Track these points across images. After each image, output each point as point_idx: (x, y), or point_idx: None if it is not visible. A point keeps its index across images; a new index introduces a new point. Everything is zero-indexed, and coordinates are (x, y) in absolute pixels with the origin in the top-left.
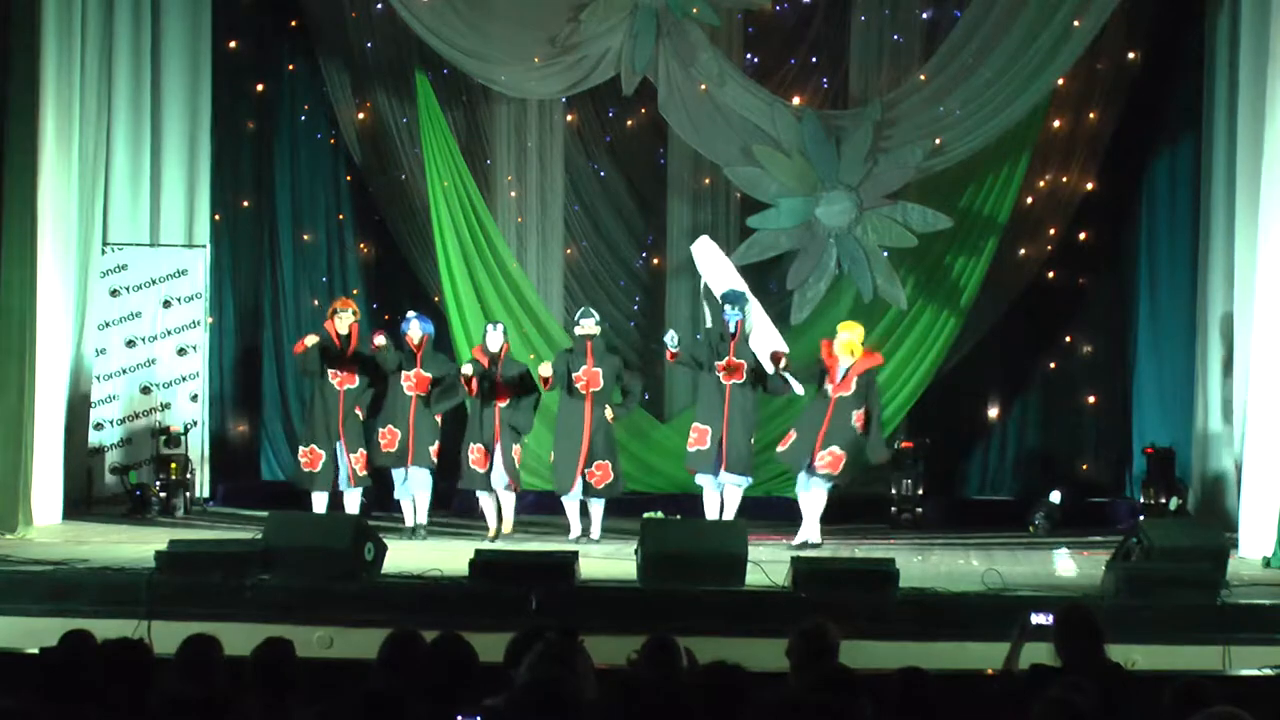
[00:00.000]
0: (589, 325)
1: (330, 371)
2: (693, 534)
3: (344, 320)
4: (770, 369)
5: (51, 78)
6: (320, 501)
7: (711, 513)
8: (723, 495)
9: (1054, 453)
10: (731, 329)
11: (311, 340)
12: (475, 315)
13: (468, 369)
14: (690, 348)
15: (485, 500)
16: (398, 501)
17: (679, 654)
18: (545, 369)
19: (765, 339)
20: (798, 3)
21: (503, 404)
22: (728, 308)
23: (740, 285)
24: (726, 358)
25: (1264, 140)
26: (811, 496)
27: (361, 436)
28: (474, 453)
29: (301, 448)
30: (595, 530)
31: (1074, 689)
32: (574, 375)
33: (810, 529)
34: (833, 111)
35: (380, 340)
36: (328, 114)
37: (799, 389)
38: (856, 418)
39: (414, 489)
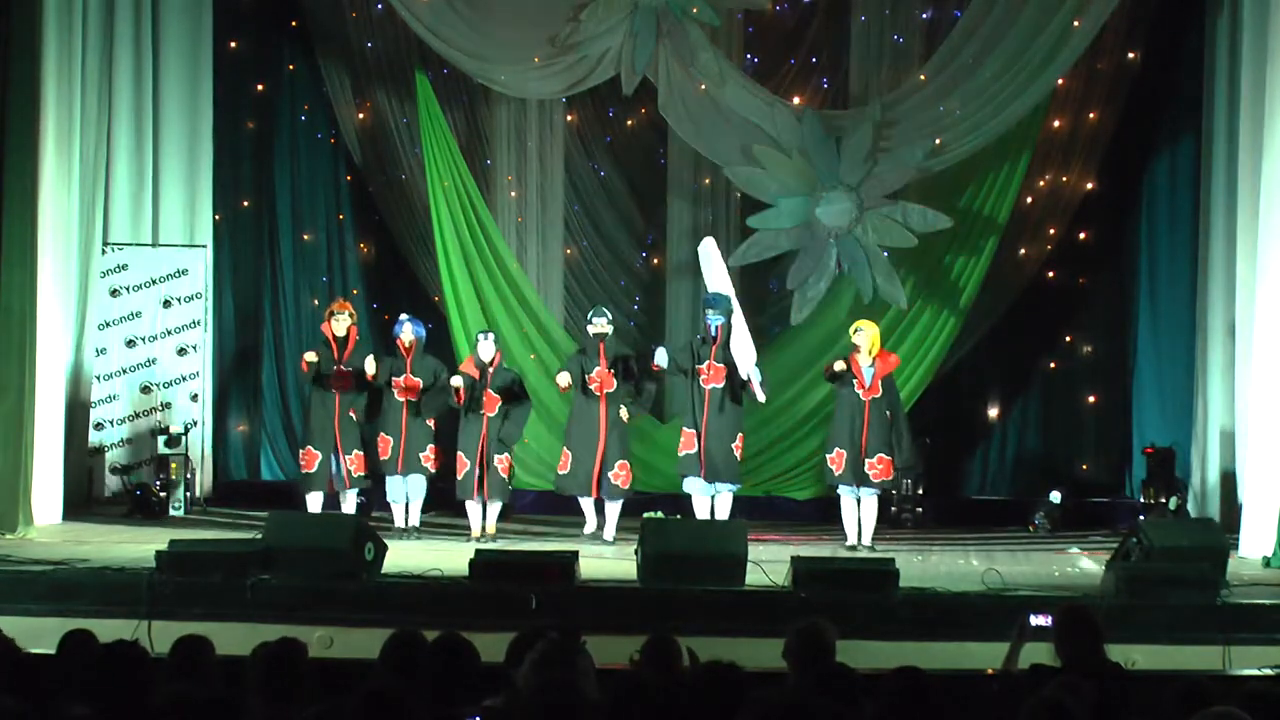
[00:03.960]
0: (601, 324)
1: (328, 378)
2: (693, 534)
3: (341, 323)
4: (743, 376)
5: (52, 78)
6: (315, 502)
7: (701, 516)
8: (713, 501)
9: (1054, 453)
10: (713, 333)
11: (311, 358)
12: (475, 315)
13: (457, 381)
14: (673, 355)
15: (471, 507)
16: (390, 504)
17: (679, 654)
18: (563, 380)
19: (742, 351)
20: (798, 3)
21: (491, 414)
22: (709, 312)
23: (727, 290)
24: (707, 361)
25: (1264, 140)
26: (867, 507)
27: (358, 439)
28: (458, 459)
29: (300, 450)
30: (610, 531)
31: (1069, 690)
32: (588, 376)
33: (867, 536)
34: (833, 111)
35: (370, 367)
36: (328, 114)
37: (761, 398)
38: (888, 418)
39: (409, 495)
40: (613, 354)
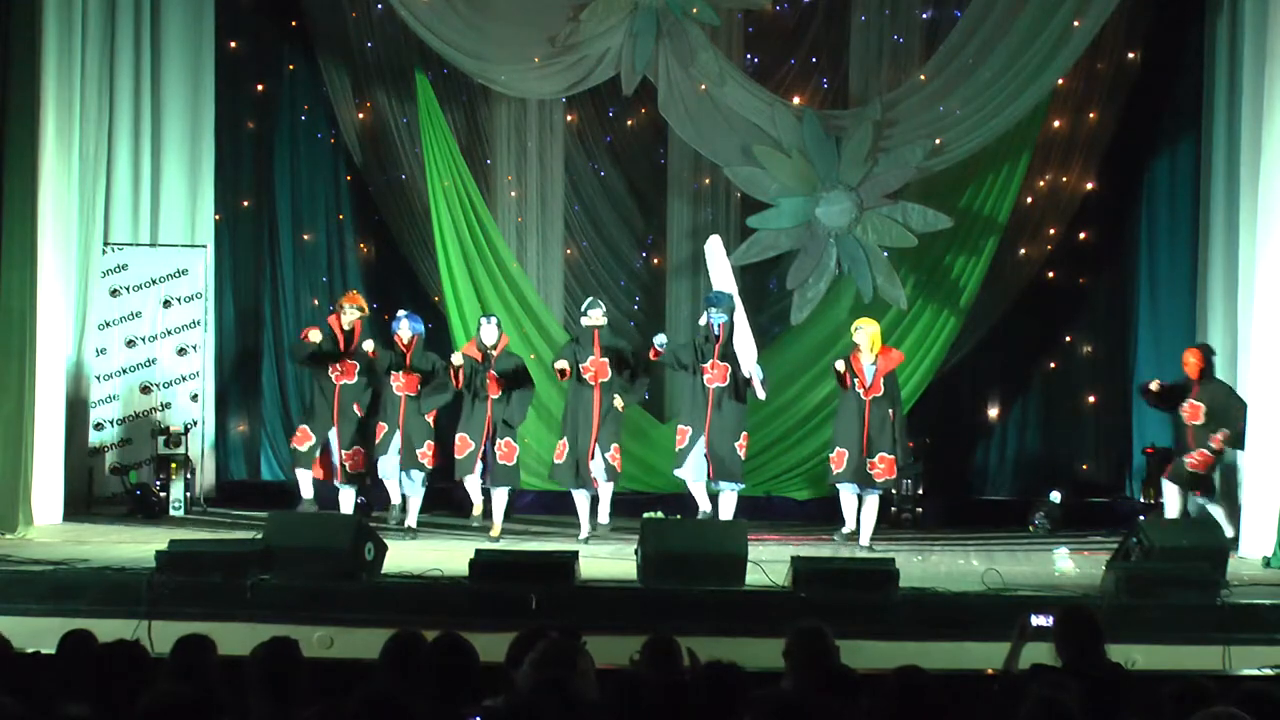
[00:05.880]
0: (596, 316)
1: (331, 366)
2: (693, 534)
3: (349, 316)
4: (745, 375)
5: (52, 78)
6: (305, 480)
7: (701, 506)
8: (717, 501)
9: (1054, 453)
10: (715, 331)
11: (315, 336)
12: (475, 315)
13: (457, 358)
14: (675, 349)
15: (470, 481)
16: (382, 481)
17: (679, 654)
18: (561, 363)
19: (744, 348)
20: (798, 3)
21: (495, 397)
22: (712, 310)
23: (730, 289)
24: (710, 360)
25: (1264, 140)
26: (868, 505)
27: (357, 435)
28: (459, 440)
29: (296, 428)
30: (604, 515)
31: (1068, 689)
32: (581, 366)
33: (865, 534)
34: (833, 111)
35: (369, 345)
36: (328, 114)
37: (761, 395)
38: (890, 416)
39: (406, 491)
40: (606, 345)
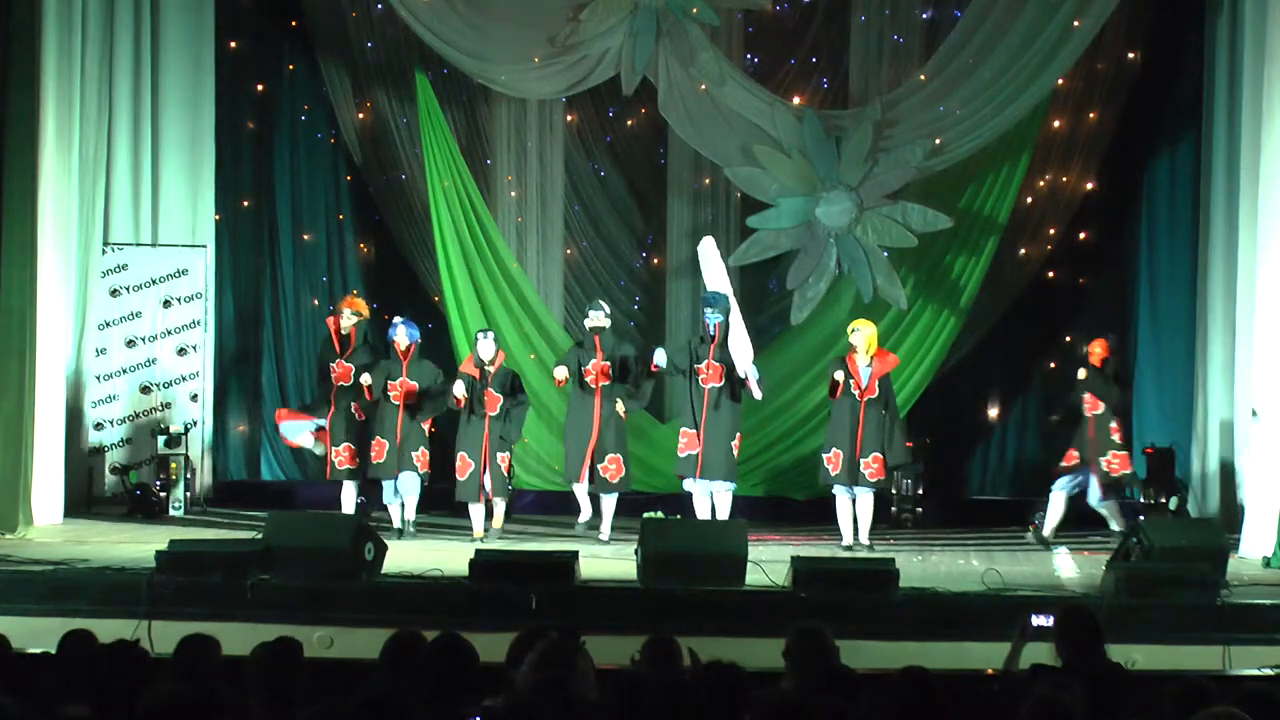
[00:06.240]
0: (599, 318)
1: (330, 365)
2: (693, 534)
3: (346, 321)
4: (740, 375)
5: (52, 78)
6: (303, 437)
7: (702, 517)
8: (712, 500)
9: (1054, 453)
10: (711, 331)
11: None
12: (475, 316)
13: (459, 390)
14: (672, 355)
15: (474, 509)
16: (386, 506)
17: (679, 654)
18: (560, 373)
19: (739, 349)
20: (798, 3)
21: (492, 413)
22: (707, 310)
23: (725, 289)
24: (706, 360)
25: (1264, 140)
26: (862, 505)
27: (350, 432)
28: (459, 460)
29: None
30: (605, 530)
31: (1068, 689)
32: (584, 369)
33: (863, 534)
34: (833, 111)
35: (365, 380)
36: (328, 114)
37: (758, 395)
38: (884, 417)
39: (402, 493)
40: (609, 348)
